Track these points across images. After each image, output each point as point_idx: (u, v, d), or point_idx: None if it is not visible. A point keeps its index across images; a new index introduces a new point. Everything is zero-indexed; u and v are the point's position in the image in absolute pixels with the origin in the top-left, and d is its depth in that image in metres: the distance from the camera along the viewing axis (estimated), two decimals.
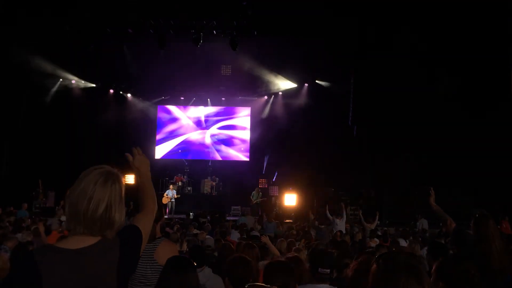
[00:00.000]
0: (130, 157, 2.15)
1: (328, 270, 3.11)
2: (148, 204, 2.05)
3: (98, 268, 1.66)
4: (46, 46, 15.01)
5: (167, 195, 16.16)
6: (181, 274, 2.45)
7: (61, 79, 17.60)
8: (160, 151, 19.72)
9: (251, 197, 16.47)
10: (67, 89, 17.98)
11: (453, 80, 13.92)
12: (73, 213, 1.70)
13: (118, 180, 1.79)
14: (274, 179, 17.50)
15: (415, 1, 12.53)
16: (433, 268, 2.44)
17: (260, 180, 17.69)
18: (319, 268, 3.09)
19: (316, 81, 18.04)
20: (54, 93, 17.06)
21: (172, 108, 20.12)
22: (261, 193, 16.65)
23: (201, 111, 20.13)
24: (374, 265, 1.60)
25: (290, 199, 16.58)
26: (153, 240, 3.38)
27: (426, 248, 5.50)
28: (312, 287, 3.10)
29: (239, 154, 19.72)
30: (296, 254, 4.17)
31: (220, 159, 19.62)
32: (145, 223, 1.96)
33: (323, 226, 10.57)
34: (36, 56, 15.16)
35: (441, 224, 10.06)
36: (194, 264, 2.59)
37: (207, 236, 8.23)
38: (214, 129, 19.93)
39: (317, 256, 3.23)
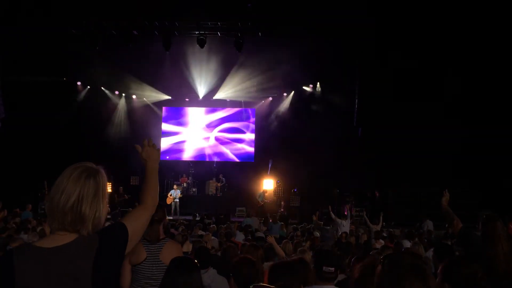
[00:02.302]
0: (139, 148, 2.12)
1: (333, 269, 3.07)
2: (146, 200, 1.98)
3: (71, 267, 1.62)
4: (51, 49, 15.10)
5: (170, 195, 16.19)
6: (185, 274, 2.46)
7: (66, 81, 17.69)
8: (165, 152, 19.75)
9: (258, 197, 16.47)
10: (72, 90, 18.08)
11: (459, 81, 13.87)
12: (49, 209, 1.70)
13: (94, 175, 1.75)
14: (278, 181, 17.48)
15: (420, 3, 12.48)
16: (439, 269, 2.42)
17: (265, 181, 17.68)
18: (324, 267, 3.07)
19: (321, 82, 18.01)
20: (60, 94, 17.11)
21: (177, 109, 20.16)
22: (266, 194, 16.63)
23: (206, 113, 20.16)
24: (379, 266, 1.60)
25: (295, 200, 16.57)
26: (157, 241, 3.39)
27: (432, 249, 5.47)
28: None
29: (244, 155, 19.72)
30: (301, 256, 4.16)
31: (224, 160, 19.63)
32: (137, 220, 1.88)
33: (328, 227, 10.54)
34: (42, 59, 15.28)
35: (447, 225, 10.01)
36: (197, 264, 2.59)
37: (212, 237, 8.24)
38: (219, 130, 19.95)
39: (321, 255, 3.21)
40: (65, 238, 1.67)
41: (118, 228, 1.80)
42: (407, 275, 1.51)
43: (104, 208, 1.76)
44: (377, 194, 15.85)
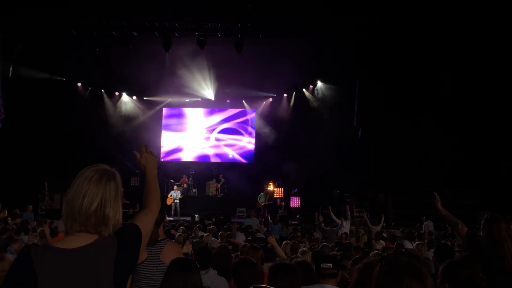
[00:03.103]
0: (137, 155, 2.16)
1: (331, 265, 3.10)
2: (151, 203, 2.04)
3: (94, 268, 1.65)
4: (51, 49, 15.12)
5: (171, 196, 16.17)
6: (184, 275, 2.46)
7: (66, 81, 17.70)
8: (165, 153, 19.77)
9: (258, 199, 16.44)
10: (72, 91, 18.09)
11: (458, 79, 13.86)
12: (69, 211, 1.71)
13: (113, 178, 1.79)
14: (279, 181, 17.47)
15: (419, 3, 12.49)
16: (440, 270, 2.42)
17: (265, 182, 17.65)
18: (322, 264, 3.09)
19: (321, 82, 18.02)
20: (60, 95, 17.12)
21: (177, 110, 20.17)
22: (268, 196, 16.60)
23: (206, 113, 20.17)
24: (378, 267, 1.60)
25: (295, 201, 16.57)
26: (155, 242, 3.39)
27: (432, 250, 5.47)
28: (317, 287, 3.09)
29: (244, 156, 19.72)
30: (304, 258, 4.17)
31: (224, 161, 19.63)
32: (145, 222, 1.94)
33: (328, 228, 10.55)
34: (42, 59, 15.32)
35: (447, 225, 10.01)
36: (197, 265, 2.60)
37: (212, 238, 8.23)
38: (219, 131, 19.95)
39: (318, 254, 3.25)
40: (86, 239, 1.69)
41: (133, 229, 1.87)
42: (405, 276, 1.52)
43: (121, 209, 1.81)
44: (377, 195, 15.82)
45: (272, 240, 5.42)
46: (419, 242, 7.62)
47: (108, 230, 1.73)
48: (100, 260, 1.67)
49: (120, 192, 1.81)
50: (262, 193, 16.60)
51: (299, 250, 5.55)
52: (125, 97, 19.57)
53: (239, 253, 5.06)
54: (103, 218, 1.71)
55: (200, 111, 20.14)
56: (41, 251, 1.66)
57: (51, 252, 1.66)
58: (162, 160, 19.39)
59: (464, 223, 3.69)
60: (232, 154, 19.77)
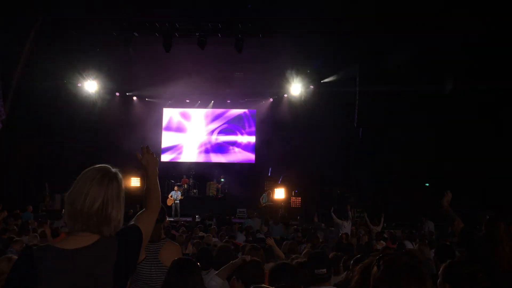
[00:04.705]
0: (139, 156, 2.19)
1: (325, 270, 3.11)
2: (152, 203, 2.08)
3: (95, 268, 1.67)
4: (52, 50, 15.11)
5: (171, 196, 16.17)
6: (186, 275, 2.46)
7: (67, 82, 17.69)
8: (165, 153, 19.77)
9: (261, 199, 16.43)
10: (73, 92, 18.08)
11: (459, 78, 13.84)
12: (71, 211, 1.73)
13: (116, 178, 1.81)
14: (279, 181, 17.46)
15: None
16: (440, 270, 2.42)
17: (266, 183, 17.65)
18: (315, 270, 3.10)
19: (321, 83, 18.01)
20: (60, 96, 17.11)
21: (177, 110, 20.18)
22: (270, 197, 16.57)
23: (207, 114, 20.17)
24: (375, 267, 1.58)
25: (296, 201, 16.56)
26: (157, 241, 3.39)
27: (433, 250, 5.46)
28: None
29: (244, 157, 19.72)
30: (305, 259, 4.16)
31: (225, 162, 19.63)
32: (147, 222, 1.98)
33: (333, 228, 10.52)
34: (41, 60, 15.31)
35: (448, 224, 10.00)
36: (198, 265, 2.60)
37: (214, 239, 8.24)
38: (219, 132, 19.96)
39: (313, 258, 3.24)
40: (87, 240, 1.71)
41: (134, 230, 1.90)
42: (403, 276, 1.50)
43: (123, 210, 1.83)
44: (377, 195, 15.82)
45: (270, 241, 5.42)
46: (421, 243, 7.61)
47: (110, 230, 1.74)
48: (101, 260, 1.69)
49: (122, 192, 1.83)
50: (265, 194, 16.57)
51: (303, 252, 5.56)
52: (125, 98, 19.56)
53: (239, 252, 5.07)
54: (105, 218, 1.72)
55: (201, 111, 20.14)
56: (43, 251, 1.67)
57: (52, 252, 1.67)
58: (162, 161, 19.38)
59: (464, 223, 3.70)
60: (232, 154, 19.77)
